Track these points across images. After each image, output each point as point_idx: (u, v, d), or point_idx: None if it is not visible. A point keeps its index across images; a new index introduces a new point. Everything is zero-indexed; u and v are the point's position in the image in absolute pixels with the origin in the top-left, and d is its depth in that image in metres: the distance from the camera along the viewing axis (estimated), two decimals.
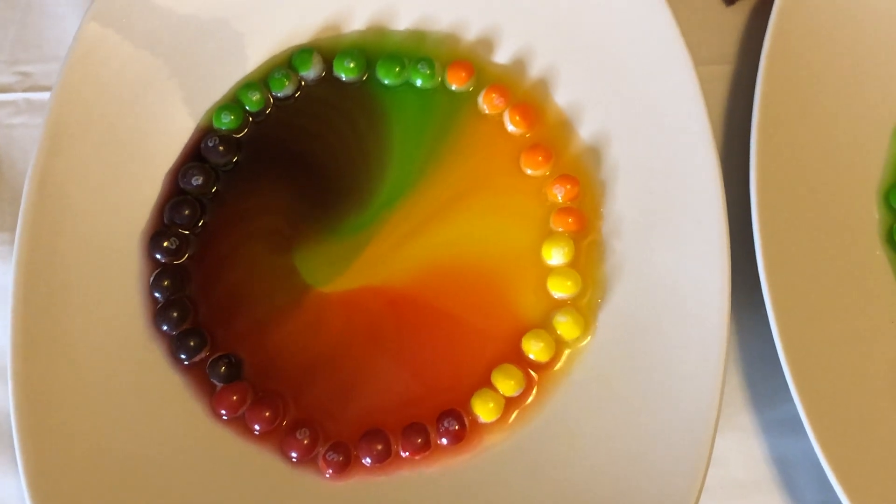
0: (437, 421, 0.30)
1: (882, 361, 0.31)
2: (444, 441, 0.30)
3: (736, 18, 0.36)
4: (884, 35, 0.34)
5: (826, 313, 0.31)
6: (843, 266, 0.31)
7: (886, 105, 0.34)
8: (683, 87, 0.32)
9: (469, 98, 0.34)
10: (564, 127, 0.34)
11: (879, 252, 0.32)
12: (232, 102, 0.34)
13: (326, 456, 0.30)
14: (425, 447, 0.30)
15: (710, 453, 0.28)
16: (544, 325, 0.31)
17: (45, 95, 0.37)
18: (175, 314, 0.32)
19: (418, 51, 0.35)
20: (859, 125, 0.33)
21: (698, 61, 0.32)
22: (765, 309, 0.30)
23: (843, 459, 0.29)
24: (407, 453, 0.30)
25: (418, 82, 0.34)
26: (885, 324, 0.31)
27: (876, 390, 0.30)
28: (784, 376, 0.29)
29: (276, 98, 0.35)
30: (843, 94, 0.33)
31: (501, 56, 0.35)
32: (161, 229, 0.33)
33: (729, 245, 0.30)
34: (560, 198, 0.33)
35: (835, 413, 0.29)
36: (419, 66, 0.34)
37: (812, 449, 0.28)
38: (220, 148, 0.34)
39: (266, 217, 0.33)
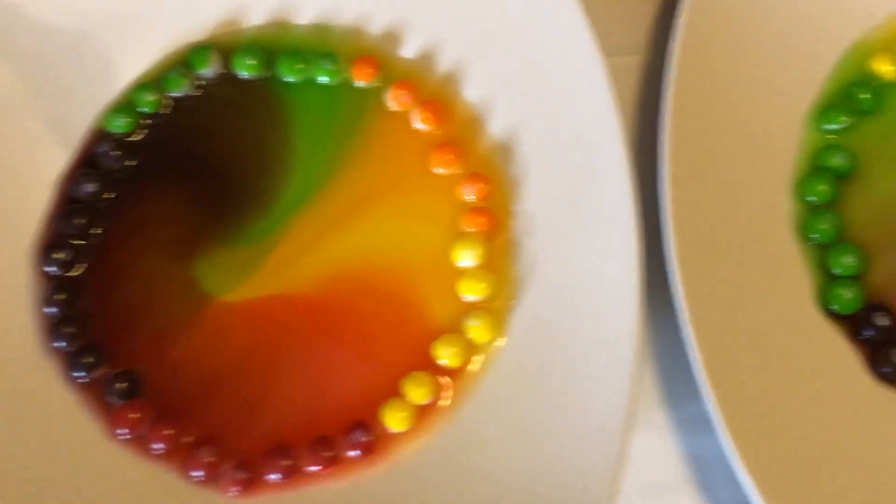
0: (347, 433, 0.30)
1: (796, 355, 0.30)
2: (354, 454, 0.29)
3: (648, 6, 0.36)
4: (798, 20, 0.33)
5: (739, 308, 0.30)
6: (757, 260, 0.31)
7: (799, 94, 0.33)
8: (592, 80, 0.31)
9: (376, 95, 0.33)
10: (475, 123, 0.33)
11: (792, 244, 0.32)
12: (125, 104, 0.33)
13: (232, 474, 0.29)
14: (334, 461, 0.29)
15: (626, 454, 0.28)
16: (456, 330, 0.31)
17: None
18: (70, 330, 0.30)
19: (322, 46, 0.34)
20: (772, 115, 0.33)
21: (609, 52, 0.31)
22: (678, 306, 0.29)
23: (756, 457, 0.28)
24: (316, 468, 0.29)
25: (322, 79, 0.33)
26: (798, 317, 0.31)
27: (790, 385, 0.30)
28: (697, 373, 0.29)
29: (172, 98, 0.33)
30: (757, 84, 0.33)
31: (409, 50, 0.34)
32: (53, 241, 0.31)
33: (641, 242, 0.29)
34: (471, 197, 0.32)
35: (748, 409, 0.29)
36: (323, 61, 0.33)
37: (726, 447, 0.28)
38: (114, 152, 0.32)
39: (165, 224, 0.32)
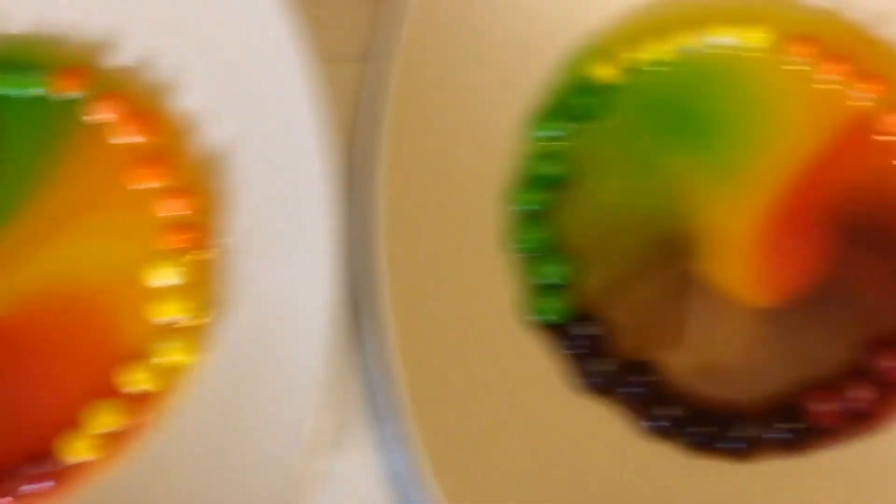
0: (29, 465, 0.28)
1: (501, 368, 0.30)
2: (37, 486, 0.28)
3: (373, 13, 0.35)
4: (516, 28, 0.33)
5: (447, 322, 0.30)
6: (466, 271, 0.31)
7: (517, 102, 0.33)
8: (303, 90, 0.31)
9: (80, 107, 0.32)
10: (184, 135, 0.32)
11: (503, 254, 0.31)
12: None
13: None
14: (17, 496, 0.28)
15: (310, 473, 0.28)
16: (150, 352, 0.30)
17: None
18: None
19: (23, 56, 0.32)
20: (489, 123, 0.32)
21: (333, 59, 0.31)
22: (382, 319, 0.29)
23: (452, 473, 0.28)
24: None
25: (24, 91, 0.32)
26: (505, 329, 0.31)
27: (494, 399, 0.30)
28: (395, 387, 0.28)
29: None
30: (474, 93, 0.32)
31: (117, 59, 0.32)
32: None
33: (341, 257, 0.29)
34: (173, 213, 0.31)
35: (449, 426, 0.29)
36: (25, 73, 0.32)
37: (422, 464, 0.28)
38: None
39: None
